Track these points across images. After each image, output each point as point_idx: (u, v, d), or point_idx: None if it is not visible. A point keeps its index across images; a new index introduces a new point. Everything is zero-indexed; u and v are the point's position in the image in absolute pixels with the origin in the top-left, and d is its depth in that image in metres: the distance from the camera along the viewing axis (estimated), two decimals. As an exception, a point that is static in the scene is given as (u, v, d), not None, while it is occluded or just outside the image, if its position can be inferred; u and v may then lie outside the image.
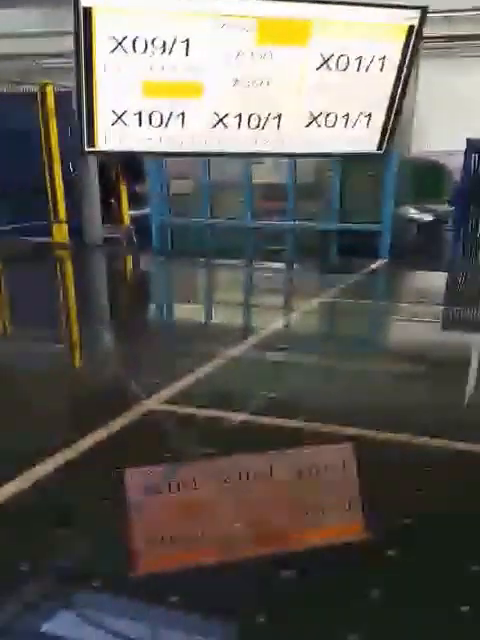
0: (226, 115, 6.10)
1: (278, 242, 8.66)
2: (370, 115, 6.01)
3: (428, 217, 9.58)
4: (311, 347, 4.67)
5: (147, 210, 10.01)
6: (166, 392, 3.62)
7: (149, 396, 3.53)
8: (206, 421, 3.28)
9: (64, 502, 2.49)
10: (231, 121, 6.07)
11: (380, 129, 6.20)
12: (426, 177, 10.34)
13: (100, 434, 3.05)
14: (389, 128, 6.14)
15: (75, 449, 2.88)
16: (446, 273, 7.80)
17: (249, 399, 3.52)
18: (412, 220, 9.19)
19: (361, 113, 5.89)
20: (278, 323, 5.12)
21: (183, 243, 9.38)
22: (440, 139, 11.20)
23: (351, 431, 3.05)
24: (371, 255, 7.78)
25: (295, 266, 8.19)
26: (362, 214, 8.16)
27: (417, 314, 5.71)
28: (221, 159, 8.30)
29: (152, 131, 6.72)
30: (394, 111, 6.00)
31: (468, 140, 8.43)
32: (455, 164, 10.06)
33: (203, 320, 5.74)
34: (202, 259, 8.37)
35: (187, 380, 3.82)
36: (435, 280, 7.51)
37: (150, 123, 6.61)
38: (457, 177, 9.86)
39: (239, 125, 6.10)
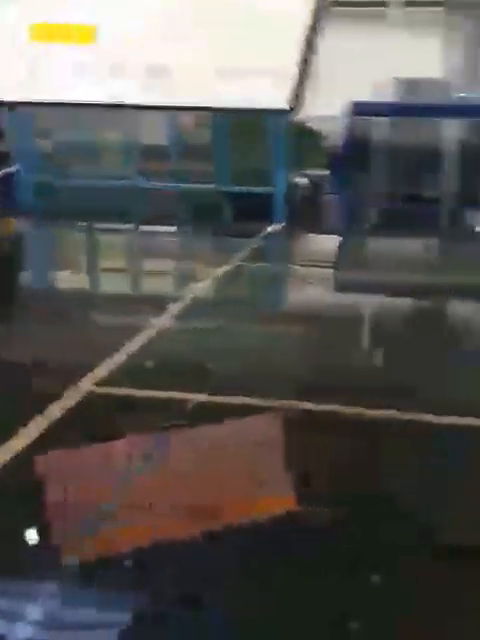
0: (123, 63, 5.68)
1: (166, 204, 8.26)
2: (279, 71, 5.81)
3: (310, 182, 9.58)
4: (236, 315, 4.47)
5: (12, 169, 9.22)
6: (101, 371, 3.30)
7: (84, 376, 3.19)
8: (150, 401, 3.04)
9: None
10: (129, 70, 5.64)
11: (289, 86, 6.03)
12: (301, 142, 10.31)
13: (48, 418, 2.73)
14: (298, 85, 5.99)
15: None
16: (339, 236, 7.86)
17: (189, 376, 3.28)
18: (297, 185, 9.13)
19: (270, 69, 5.66)
20: (194, 290, 4.86)
21: (56, 205, 8.71)
22: (313, 104, 11.21)
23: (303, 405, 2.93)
24: (264, 219, 7.63)
25: (190, 229, 7.87)
26: (253, 177, 7.96)
27: (328, 277, 5.72)
28: (102, 114, 7.79)
29: (38, 80, 6.16)
30: (303, 67, 5.83)
31: (353, 103, 8.43)
32: (330, 129, 10.11)
33: (115, 290, 5.33)
34: (86, 223, 7.80)
35: (120, 357, 3.51)
36: (334, 243, 7.56)
37: (36, 71, 6.05)
38: (332, 142, 9.92)
39: (138, 74, 5.68)
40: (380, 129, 9.01)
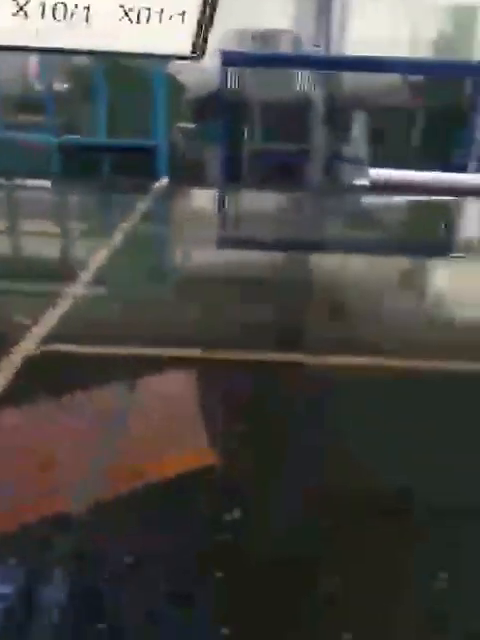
0: (27, 2, 5.27)
1: (38, 158, 7.76)
2: (184, 13, 5.61)
3: (183, 135, 9.39)
4: (151, 277, 4.39)
5: None
6: (27, 344, 3.16)
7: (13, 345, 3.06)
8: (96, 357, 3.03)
9: None
10: (33, 10, 5.25)
11: (194, 30, 5.82)
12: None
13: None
14: (203, 29, 5.82)
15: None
16: (221, 192, 7.82)
17: (126, 332, 3.33)
18: (177, 138, 8.92)
19: (175, 11, 5.44)
20: (99, 255, 4.65)
21: None
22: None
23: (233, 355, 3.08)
24: (147, 174, 7.40)
25: (70, 185, 7.46)
26: (132, 130, 7.65)
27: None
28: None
29: None
30: (208, 10, 5.66)
31: (222, 52, 8.27)
32: (188, 79, 9.88)
33: (10, 254, 4.96)
34: None
35: (48, 322, 3.38)
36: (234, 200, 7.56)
37: None
38: (197, 94, 9.74)
39: (42, 15, 5.28)
40: (251, 80, 8.98)
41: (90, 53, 7.14)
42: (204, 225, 6.10)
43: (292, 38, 10.01)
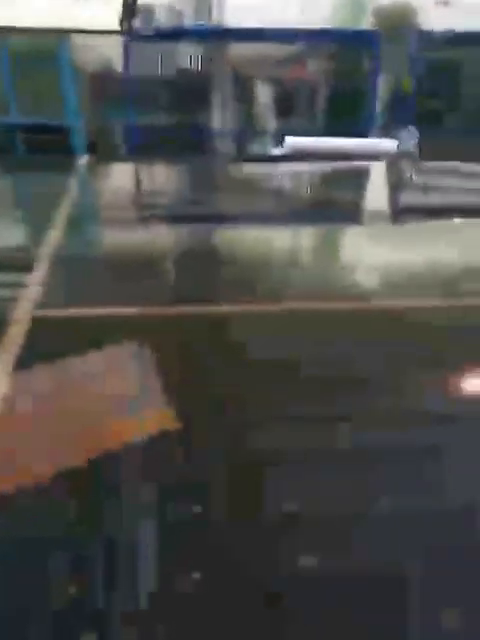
0: None
1: None
2: None
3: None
4: (108, 257, 4.36)
5: None
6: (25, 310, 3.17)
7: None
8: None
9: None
10: None
11: (118, 6, 5.80)
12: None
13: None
14: (127, 5, 5.82)
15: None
16: (137, 166, 7.76)
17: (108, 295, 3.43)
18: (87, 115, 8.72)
19: None
20: (54, 236, 4.53)
21: None
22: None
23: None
24: (63, 152, 7.20)
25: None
26: (44, 108, 7.42)
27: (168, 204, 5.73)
28: None
29: None
30: None
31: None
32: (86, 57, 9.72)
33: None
34: None
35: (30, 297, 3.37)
36: (167, 171, 7.50)
37: None
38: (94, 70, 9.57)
39: None
40: (150, 56, 8.89)
41: (21, 31, 6.88)
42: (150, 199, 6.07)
43: (171, 12, 9.97)
